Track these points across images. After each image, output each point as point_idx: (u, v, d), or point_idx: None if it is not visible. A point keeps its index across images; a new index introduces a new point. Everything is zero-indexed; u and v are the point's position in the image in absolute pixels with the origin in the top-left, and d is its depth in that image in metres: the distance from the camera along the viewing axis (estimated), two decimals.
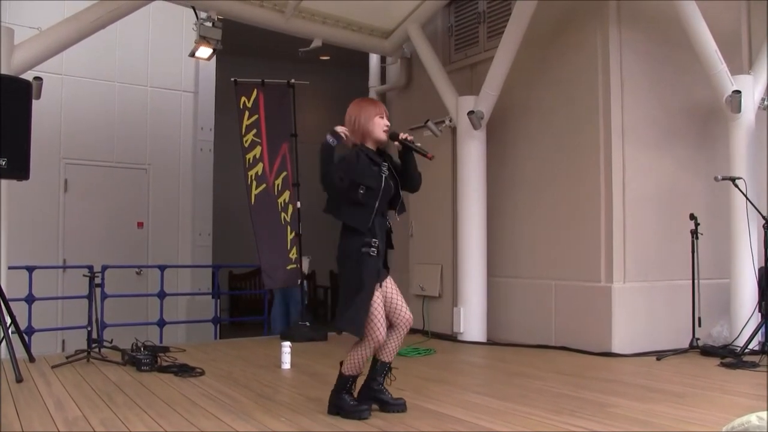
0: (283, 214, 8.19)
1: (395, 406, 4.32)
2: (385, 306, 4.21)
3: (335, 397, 4.28)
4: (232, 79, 8.20)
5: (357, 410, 4.18)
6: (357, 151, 4.25)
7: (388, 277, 4.30)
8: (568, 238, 7.36)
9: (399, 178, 4.34)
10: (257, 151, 8.14)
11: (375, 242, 4.13)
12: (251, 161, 8.13)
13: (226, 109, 11.07)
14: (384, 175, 4.22)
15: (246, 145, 8.13)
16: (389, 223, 4.33)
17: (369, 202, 4.18)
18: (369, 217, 4.16)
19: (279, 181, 8.18)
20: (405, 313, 4.29)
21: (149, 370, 5.72)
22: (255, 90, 8.19)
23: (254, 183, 8.11)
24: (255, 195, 8.09)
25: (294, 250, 8.18)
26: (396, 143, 4.37)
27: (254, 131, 8.15)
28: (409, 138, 4.37)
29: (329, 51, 10.35)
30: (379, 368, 4.36)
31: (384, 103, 10.44)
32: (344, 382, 4.25)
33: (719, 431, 2.30)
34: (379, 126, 4.29)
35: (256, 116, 8.16)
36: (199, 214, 10.87)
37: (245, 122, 8.15)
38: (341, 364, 4.27)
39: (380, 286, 4.19)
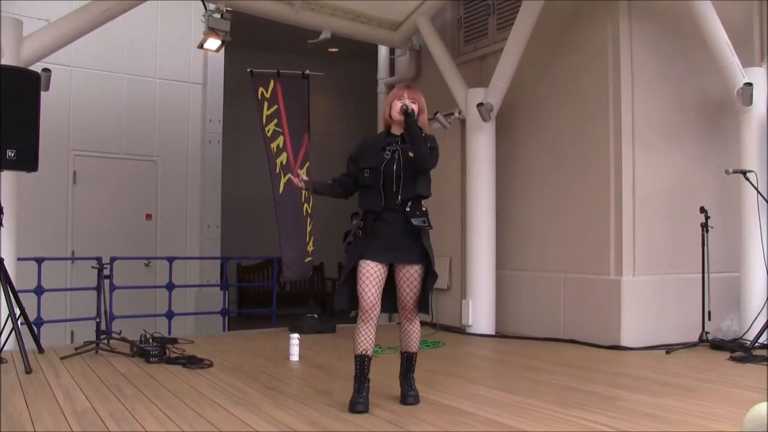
0: (306, 206, 8.09)
1: (405, 398, 4.32)
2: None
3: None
4: (248, 70, 8.14)
5: (350, 402, 4.14)
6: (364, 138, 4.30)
7: (412, 266, 4.21)
8: (577, 231, 7.33)
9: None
10: (280, 140, 8.07)
11: (360, 223, 4.23)
12: (275, 151, 8.06)
13: (235, 101, 11.09)
14: (387, 157, 4.22)
15: (268, 134, 8.06)
16: (408, 209, 4.20)
17: (374, 183, 4.21)
18: (379, 199, 4.20)
19: (303, 172, 8.03)
20: (402, 298, 4.27)
21: (158, 361, 5.73)
22: (272, 80, 8.13)
23: (281, 172, 8.01)
24: (284, 183, 7.97)
25: (311, 242, 8.13)
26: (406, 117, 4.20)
27: (275, 121, 8.07)
28: (410, 108, 4.16)
29: (338, 43, 10.32)
30: (401, 359, 4.39)
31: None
32: (355, 365, 4.20)
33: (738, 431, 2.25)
34: (395, 108, 4.23)
35: (276, 106, 8.09)
36: (207, 205, 10.87)
37: (265, 112, 8.08)
38: None
39: (371, 263, 4.15)
